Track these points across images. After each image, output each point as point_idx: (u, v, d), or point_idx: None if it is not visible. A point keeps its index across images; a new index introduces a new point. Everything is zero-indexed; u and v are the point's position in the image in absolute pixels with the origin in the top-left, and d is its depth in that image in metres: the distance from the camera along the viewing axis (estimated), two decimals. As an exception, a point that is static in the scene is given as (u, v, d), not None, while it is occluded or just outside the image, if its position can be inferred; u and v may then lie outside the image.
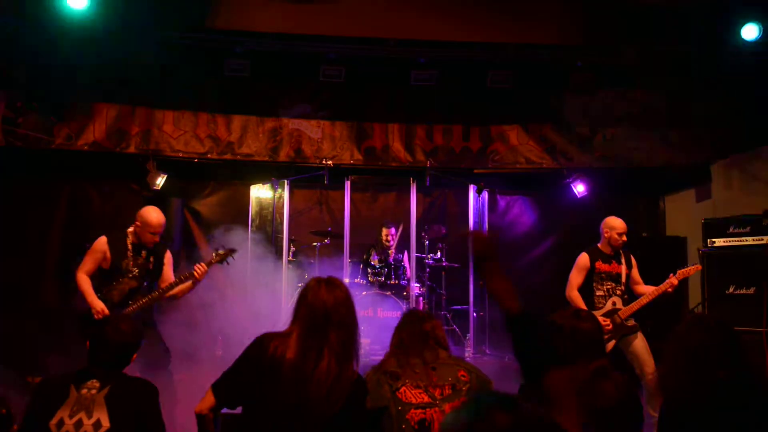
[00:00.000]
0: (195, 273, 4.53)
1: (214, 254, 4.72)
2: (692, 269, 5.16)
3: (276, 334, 2.55)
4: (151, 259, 4.64)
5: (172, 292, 4.60)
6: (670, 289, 5.07)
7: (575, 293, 5.23)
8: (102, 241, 4.58)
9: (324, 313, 2.50)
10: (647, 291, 5.16)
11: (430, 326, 2.83)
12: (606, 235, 5.26)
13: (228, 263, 4.75)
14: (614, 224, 5.23)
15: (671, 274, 5.08)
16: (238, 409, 2.55)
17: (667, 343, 2.57)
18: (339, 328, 2.50)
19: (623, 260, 5.27)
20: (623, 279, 5.22)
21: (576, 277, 5.26)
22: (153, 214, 4.58)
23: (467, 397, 2.60)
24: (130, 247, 4.58)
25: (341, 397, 2.42)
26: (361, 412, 2.53)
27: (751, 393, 2.34)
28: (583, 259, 5.27)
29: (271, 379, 2.42)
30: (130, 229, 4.63)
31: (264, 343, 2.52)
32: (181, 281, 4.58)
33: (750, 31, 5.71)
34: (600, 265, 5.22)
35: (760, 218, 5.88)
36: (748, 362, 2.42)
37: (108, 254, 4.53)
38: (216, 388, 2.53)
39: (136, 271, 4.57)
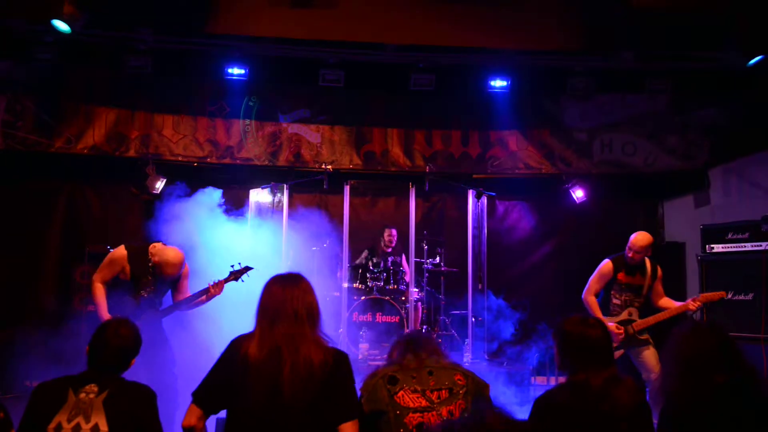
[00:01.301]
0: (210, 290, 4.51)
1: (230, 271, 4.68)
2: (716, 295, 5.02)
3: (246, 336, 2.58)
4: None
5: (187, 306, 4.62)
6: (692, 309, 4.95)
7: (592, 298, 5.14)
8: (122, 254, 4.51)
9: (276, 309, 2.55)
10: (668, 306, 5.09)
11: (426, 340, 2.88)
12: (627, 247, 5.15)
13: (243, 281, 4.71)
14: (633, 242, 5.09)
15: (694, 297, 5.00)
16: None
17: (665, 350, 2.58)
18: (294, 320, 2.53)
19: (648, 271, 5.15)
20: (644, 291, 5.14)
21: (595, 283, 5.17)
22: (171, 259, 4.48)
23: (464, 400, 2.60)
24: (151, 265, 4.55)
25: (314, 385, 2.44)
26: (343, 387, 2.53)
27: (750, 397, 2.35)
28: (606, 266, 5.16)
29: (244, 379, 2.46)
30: (152, 249, 4.60)
31: (236, 345, 2.56)
32: (196, 296, 4.56)
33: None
34: (622, 276, 5.12)
35: (759, 224, 5.88)
36: (745, 366, 2.42)
37: (127, 267, 4.50)
38: (197, 396, 2.54)
39: (153, 286, 4.55)
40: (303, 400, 2.42)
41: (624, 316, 5.08)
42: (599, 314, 5.00)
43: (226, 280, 4.59)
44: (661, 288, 5.22)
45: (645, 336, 5.04)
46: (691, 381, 2.38)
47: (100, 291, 4.45)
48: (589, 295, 5.18)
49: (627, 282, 5.12)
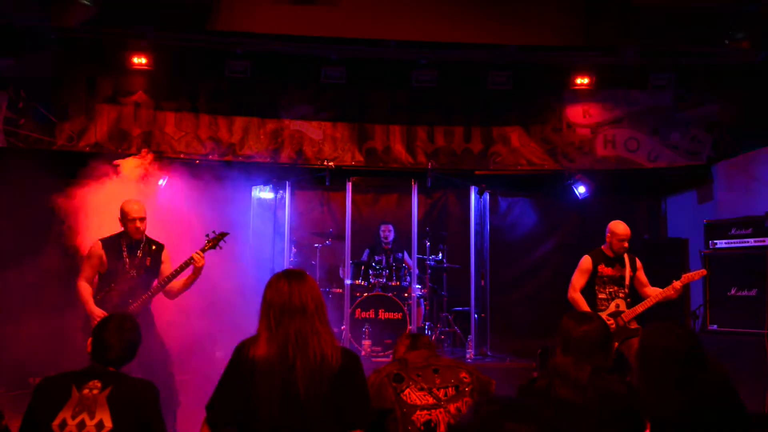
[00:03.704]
0: (193, 260, 4.50)
1: (206, 240, 4.68)
2: (697, 274, 5.12)
3: (251, 339, 2.54)
4: (148, 259, 4.62)
5: (172, 285, 4.57)
6: (674, 294, 5.04)
7: (578, 295, 5.21)
8: (97, 246, 4.56)
9: (283, 305, 2.49)
10: (653, 293, 5.15)
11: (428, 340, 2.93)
12: (608, 239, 5.27)
13: (221, 247, 4.73)
14: (616, 230, 5.21)
15: (674, 280, 5.05)
16: None
17: (637, 359, 2.59)
18: (302, 317, 2.48)
19: (627, 263, 5.25)
20: (627, 282, 5.21)
21: (578, 279, 5.24)
22: (131, 204, 4.58)
23: (471, 397, 2.61)
24: (124, 248, 4.56)
25: (327, 379, 2.41)
26: (353, 390, 2.50)
27: (721, 394, 2.38)
28: (586, 261, 5.25)
29: (254, 383, 2.42)
30: (122, 230, 4.62)
31: (242, 350, 2.52)
32: (179, 271, 4.54)
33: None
34: (603, 269, 5.20)
35: (762, 220, 5.87)
36: (710, 363, 2.45)
37: (104, 258, 4.52)
38: (210, 410, 2.52)
39: (133, 271, 4.55)
40: (318, 395, 2.38)
41: (612, 308, 5.14)
42: (587, 310, 5.02)
43: (204, 249, 4.59)
44: (645, 278, 5.30)
45: (634, 325, 5.11)
46: (669, 386, 2.39)
47: (83, 288, 4.47)
48: (574, 292, 5.24)
49: (609, 274, 5.19)
